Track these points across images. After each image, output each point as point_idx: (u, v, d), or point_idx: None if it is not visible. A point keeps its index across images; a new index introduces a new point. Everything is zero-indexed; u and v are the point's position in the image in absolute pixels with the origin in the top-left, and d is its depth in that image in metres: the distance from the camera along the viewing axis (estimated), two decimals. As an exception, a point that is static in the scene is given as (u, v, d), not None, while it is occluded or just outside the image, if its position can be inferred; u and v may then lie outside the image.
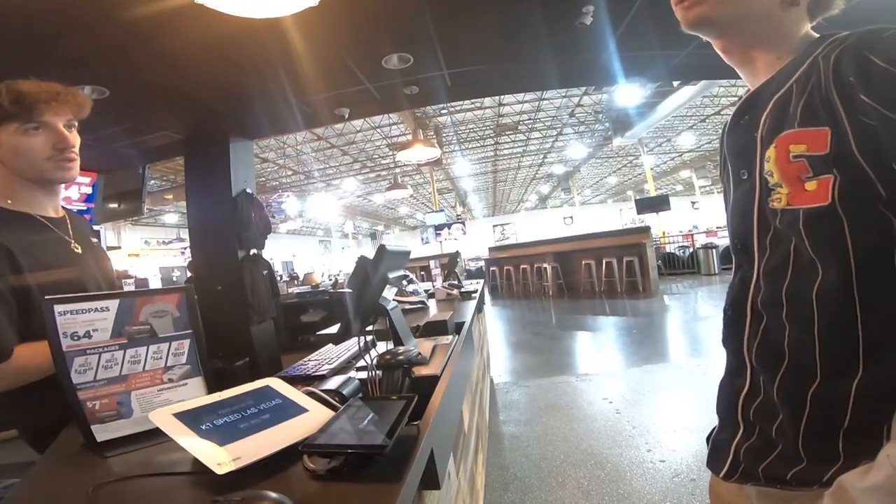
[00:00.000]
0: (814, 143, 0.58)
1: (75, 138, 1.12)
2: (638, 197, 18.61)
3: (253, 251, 4.32)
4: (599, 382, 3.95)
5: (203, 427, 0.68)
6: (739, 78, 0.77)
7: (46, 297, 0.79)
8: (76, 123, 1.13)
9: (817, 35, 0.69)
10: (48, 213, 1.13)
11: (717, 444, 0.77)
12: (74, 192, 4.92)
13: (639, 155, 16.68)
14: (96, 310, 0.82)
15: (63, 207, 1.21)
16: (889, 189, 0.54)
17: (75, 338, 0.79)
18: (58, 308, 0.78)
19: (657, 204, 15.05)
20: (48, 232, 1.10)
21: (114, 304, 0.84)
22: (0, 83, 1.03)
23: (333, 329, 2.04)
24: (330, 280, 9.83)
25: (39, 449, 0.89)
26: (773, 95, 0.66)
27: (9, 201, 1.06)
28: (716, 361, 4.29)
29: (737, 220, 0.72)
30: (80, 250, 1.15)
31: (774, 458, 0.65)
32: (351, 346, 1.43)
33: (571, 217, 25.94)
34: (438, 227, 15.59)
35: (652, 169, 18.56)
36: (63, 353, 0.78)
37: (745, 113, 0.71)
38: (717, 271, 10.75)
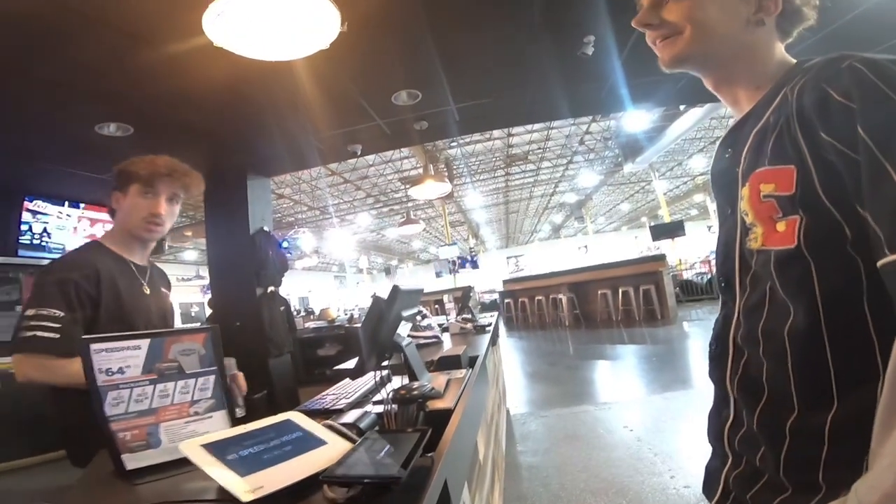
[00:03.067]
0: (781, 182, 0.58)
1: (173, 210, 1.45)
2: (652, 223, 18.54)
3: (271, 288, 4.41)
4: (619, 411, 3.88)
5: (229, 457, 0.72)
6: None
7: (84, 336, 0.85)
8: (181, 196, 1.47)
9: (794, 61, 0.69)
10: (135, 259, 1.45)
11: (710, 472, 0.78)
12: (99, 229, 5.09)
13: (651, 180, 16.71)
14: (129, 348, 0.87)
15: (149, 260, 1.54)
16: (855, 231, 0.52)
17: (109, 373, 0.85)
18: (93, 346, 0.84)
19: (672, 230, 14.97)
20: (129, 273, 1.41)
21: (145, 343, 0.89)
22: (146, 158, 1.43)
23: (350, 364, 2.07)
24: (345, 315, 9.88)
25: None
26: (752, 129, 0.66)
27: (112, 244, 1.42)
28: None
29: (721, 257, 0.74)
30: (147, 291, 1.45)
31: (762, 486, 0.66)
32: (367, 380, 1.46)
33: (586, 246, 25.83)
34: (453, 264, 15.69)
35: (665, 194, 18.53)
36: (98, 388, 0.83)
37: (728, 146, 0.72)
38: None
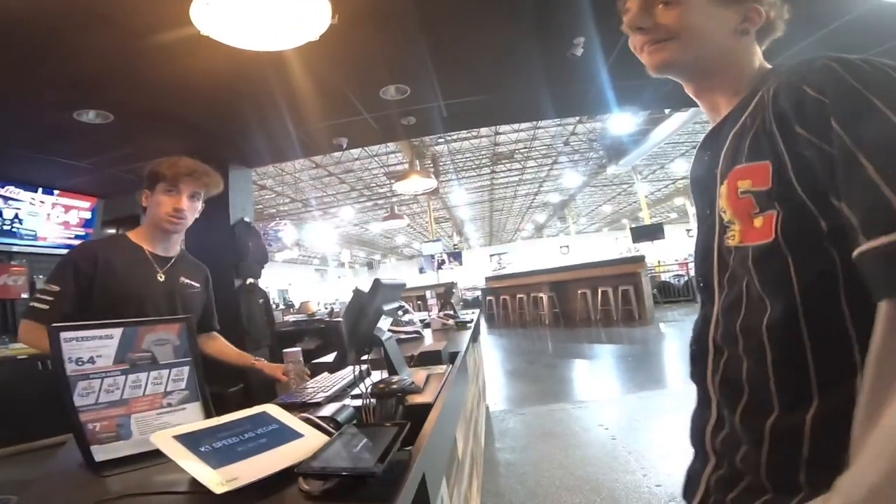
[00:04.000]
0: (757, 177, 0.59)
1: (195, 206, 1.59)
2: (633, 225, 18.80)
3: (250, 280, 4.35)
4: (595, 409, 3.94)
5: (202, 449, 0.70)
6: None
7: (52, 324, 0.83)
8: (202, 195, 1.61)
9: (770, 66, 0.72)
10: (156, 250, 1.59)
11: (690, 475, 0.77)
12: (74, 216, 4.96)
13: (633, 182, 16.93)
14: (100, 337, 0.85)
15: (181, 253, 1.69)
16: (831, 224, 0.53)
17: (80, 363, 0.82)
18: (63, 335, 0.81)
19: (652, 233, 15.19)
20: (141, 259, 1.54)
21: (117, 333, 0.87)
22: (171, 158, 1.56)
23: (329, 358, 2.05)
24: (326, 309, 9.81)
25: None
26: (730, 131, 0.67)
27: (134, 236, 1.57)
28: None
29: (699, 258, 0.74)
30: (162, 279, 1.57)
31: (743, 488, 0.65)
32: (346, 374, 1.45)
33: (567, 246, 26.07)
34: (437, 263, 15.71)
35: (646, 196, 18.78)
36: (67, 377, 0.81)
37: (707, 150, 0.73)
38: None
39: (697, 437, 0.75)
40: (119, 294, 1.45)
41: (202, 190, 1.60)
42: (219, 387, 1.33)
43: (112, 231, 5.62)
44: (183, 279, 1.64)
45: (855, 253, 0.47)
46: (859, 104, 0.49)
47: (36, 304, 1.38)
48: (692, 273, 12.42)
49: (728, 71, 0.73)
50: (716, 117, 0.75)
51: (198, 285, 1.70)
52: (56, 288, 1.39)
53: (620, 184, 18.76)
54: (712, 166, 0.69)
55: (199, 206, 1.63)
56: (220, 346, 1.82)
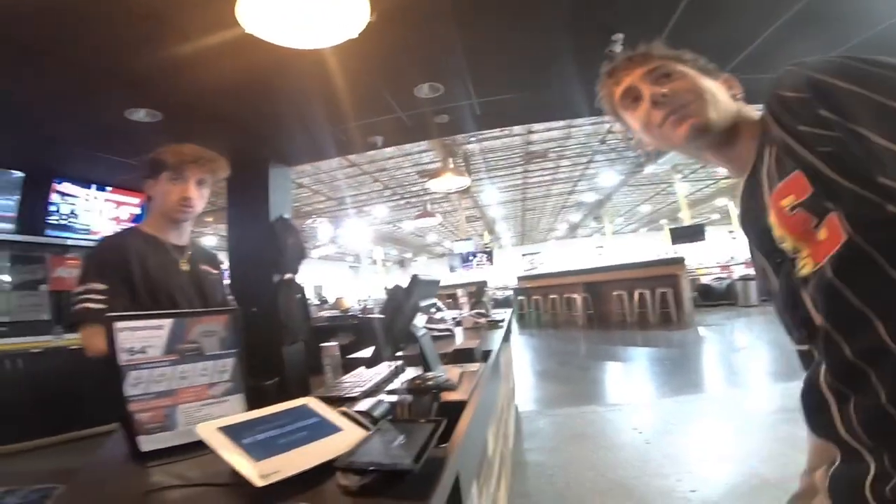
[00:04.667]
0: (797, 190, 0.58)
1: (202, 193, 1.54)
2: (672, 226, 18.27)
3: (288, 275, 4.45)
4: (629, 412, 3.85)
5: (244, 441, 0.72)
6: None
7: (109, 314, 0.87)
8: (209, 181, 1.56)
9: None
10: (171, 239, 1.55)
11: None
12: (124, 212, 5.20)
13: (672, 182, 16.44)
14: (152, 327, 0.89)
15: (192, 240, 1.65)
16: (893, 202, 0.50)
17: (132, 352, 0.86)
18: (117, 325, 0.85)
19: (692, 234, 14.73)
20: (163, 251, 1.51)
21: (168, 323, 0.91)
22: (175, 146, 1.51)
23: (365, 353, 2.08)
24: (359, 305, 9.95)
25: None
26: (761, 172, 0.66)
27: (147, 228, 1.54)
28: (753, 391, 4.14)
29: (789, 310, 0.68)
30: (186, 268, 1.55)
31: None
32: (381, 370, 1.47)
33: (602, 246, 25.58)
34: (466, 259, 15.68)
35: (686, 197, 18.20)
36: (121, 367, 0.85)
37: (750, 197, 0.70)
38: (756, 303, 10.39)
39: (853, 494, 0.61)
40: (153, 285, 1.44)
41: (209, 176, 1.55)
42: (255, 380, 1.36)
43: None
44: (203, 266, 1.63)
45: None
46: (831, 90, 0.54)
47: (90, 305, 1.29)
48: (734, 276, 12.00)
49: (741, 124, 0.75)
50: (744, 168, 0.73)
51: (216, 272, 1.69)
52: (102, 286, 1.33)
53: (659, 183, 18.23)
54: (760, 209, 0.66)
55: (207, 192, 1.58)
56: None
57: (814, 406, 0.65)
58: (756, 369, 5.08)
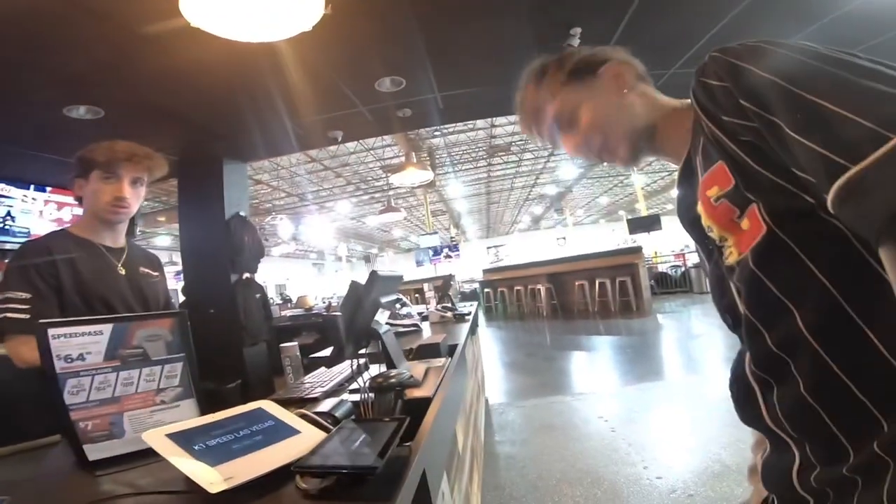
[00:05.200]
0: (720, 180, 0.58)
1: (137, 192, 1.46)
2: (629, 217, 18.81)
3: (246, 275, 4.31)
4: (595, 401, 3.94)
5: (196, 447, 0.69)
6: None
7: (40, 321, 0.80)
8: (144, 179, 1.47)
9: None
10: (106, 242, 1.46)
11: None
12: (67, 213, 4.92)
13: (629, 174, 16.90)
14: (90, 333, 0.83)
15: (128, 242, 1.55)
16: (815, 194, 0.49)
17: (69, 360, 0.80)
18: (51, 331, 0.79)
19: (648, 224, 15.22)
20: (97, 254, 1.42)
21: (107, 328, 0.85)
22: (105, 142, 1.41)
23: (326, 352, 2.03)
24: (323, 303, 9.79)
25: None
26: (695, 158, 0.66)
27: (78, 230, 1.44)
28: (710, 378, 4.30)
29: (717, 295, 0.68)
30: (123, 272, 1.46)
31: None
32: (344, 369, 1.44)
33: (564, 238, 26.08)
34: (436, 252, 15.70)
35: (643, 188, 18.78)
36: (56, 375, 0.79)
37: (685, 186, 0.69)
38: (708, 290, 10.80)
39: (781, 482, 0.62)
40: (86, 291, 1.35)
41: (145, 174, 1.46)
42: (216, 383, 1.30)
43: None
44: (142, 269, 1.55)
45: (829, 199, 0.44)
46: (750, 78, 0.52)
47: (10, 315, 1.21)
48: (689, 264, 12.45)
49: (659, 125, 0.75)
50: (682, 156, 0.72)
51: (156, 274, 1.61)
52: (25, 294, 1.24)
53: (617, 175, 18.73)
54: (692, 197, 0.66)
55: (143, 191, 1.49)
56: None
57: (741, 395, 0.65)
58: (713, 356, 5.28)
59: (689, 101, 0.65)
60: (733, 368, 0.67)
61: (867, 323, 0.48)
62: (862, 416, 0.50)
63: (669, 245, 17.44)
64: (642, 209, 17.26)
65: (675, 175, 0.74)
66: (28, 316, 1.21)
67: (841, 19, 3.15)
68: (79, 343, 0.81)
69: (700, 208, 0.62)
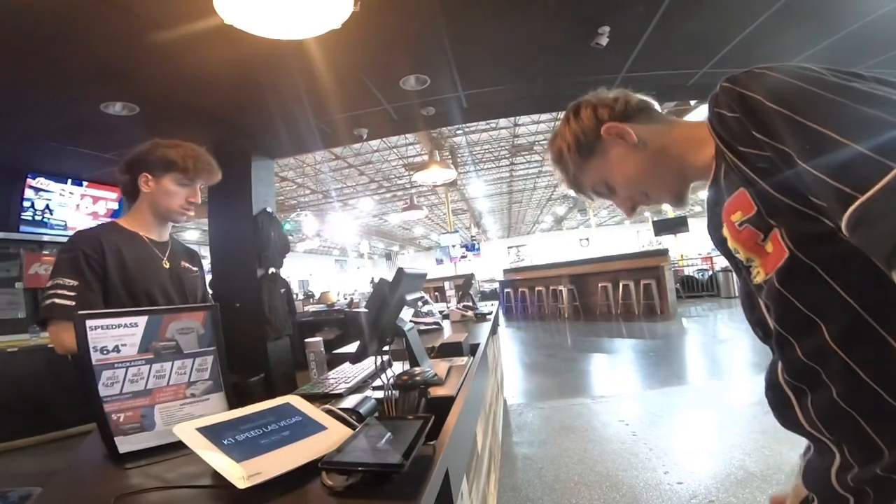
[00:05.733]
0: (743, 206, 0.61)
1: (200, 195, 1.55)
2: (655, 218, 18.46)
3: (272, 270, 4.39)
4: (615, 404, 3.88)
5: (225, 442, 0.70)
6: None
7: (80, 311, 0.83)
8: (206, 188, 1.57)
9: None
10: (152, 236, 1.53)
11: None
12: (102, 206, 5.08)
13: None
14: (126, 325, 0.85)
15: (171, 237, 1.62)
16: (832, 219, 0.51)
17: (104, 352, 0.82)
18: (89, 323, 0.81)
19: (675, 225, 14.89)
20: (143, 246, 1.48)
21: (142, 321, 0.87)
22: (182, 145, 1.49)
23: (350, 348, 2.05)
24: (345, 299, 9.87)
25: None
26: (721, 183, 0.67)
27: (128, 224, 1.50)
28: (735, 383, 4.20)
29: (748, 310, 0.72)
30: (167, 265, 1.53)
31: None
32: (367, 365, 1.45)
33: (587, 239, 25.76)
34: (467, 249, 15.75)
35: (669, 190, 18.39)
36: (92, 367, 0.81)
37: (713, 206, 0.71)
38: (737, 294, 10.54)
39: (821, 482, 0.65)
40: (131, 282, 1.40)
41: (207, 182, 1.56)
42: (240, 376, 1.33)
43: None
44: (184, 263, 1.61)
45: (843, 220, 0.46)
46: (760, 110, 0.54)
47: (57, 301, 1.26)
48: (717, 267, 12.18)
49: (687, 157, 0.74)
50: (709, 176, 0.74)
51: (196, 269, 1.67)
52: (73, 282, 1.30)
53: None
54: (718, 219, 0.68)
55: None
56: None
57: (778, 402, 0.67)
58: (738, 361, 5.15)
59: (703, 120, 0.68)
60: (767, 377, 0.69)
61: (890, 333, 0.51)
62: (893, 417, 0.53)
63: (696, 248, 17.07)
64: (668, 210, 16.92)
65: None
66: (74, 303, 1.26)
67: (854, 34, 3.09)
68: (115, 335, 0.84)
69: (725, 231, 0.65)
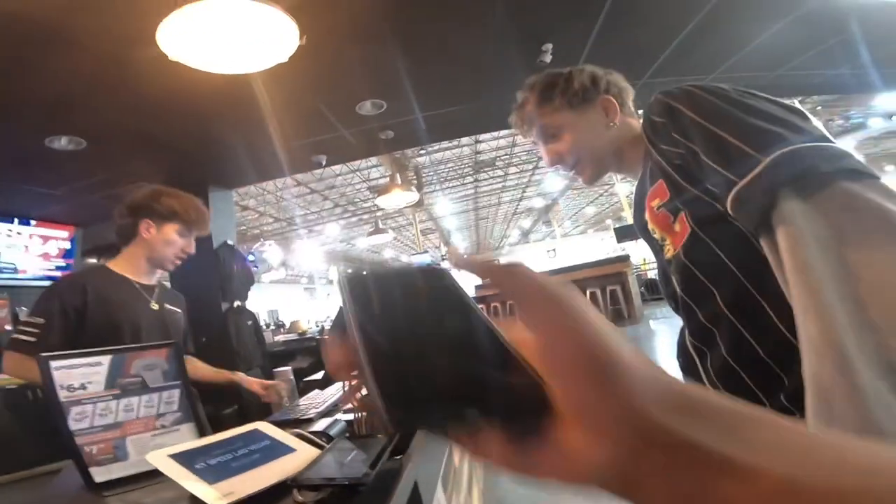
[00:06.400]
0: (660, 194, 0.75)
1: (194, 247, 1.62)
2: (616, 225, 19.00)
3: (237, 303, 4.32)
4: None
5: (197, 466, 0.72)
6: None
7: (42, 353, 0.84)
8: None
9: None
10: (142, 280, 1.58)
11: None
12: (53, 247, 4.89)
13: (613, 183, 17.13)
14: (90, 364, 0.86)
15: (158, 280, 1.68)
16: (722, 204, 0.62)
17: (71, 389, 0.84)
18: (53, 363, 0.83)
19: (635, 232, 15.35)
20: (132, 291, 1.53)
21: (106, 359, 0.89)
22: (183, 196, 1.58)
23: (319, 375, 2.06)
24: (317, 326, 9.72)
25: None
26: (646, 179, 0.82)
27: (117, 267, 1.55)
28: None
29: (662, 284, 0.84)
30: (156, 307, 1.58)
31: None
32: (337, 390, 1.47)
33: (554, 249, 26.20)
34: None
35: (627, 196, 18.97)
36: (59, 403, 0.82)
37: (640, 199, 0.87)
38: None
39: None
40: (113, 324, 1.44)
41: (200, 235, 1.65)
42: (213, 408, 1.34)
43: (93, 261, 5.54)
44: (167, 306, 1.66)
45: (728, 203, 0.58)
46: (679, 116, 0.67)
47: (21, 336, 1.36)
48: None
49: (626, 142, 0.90)
50: (638, 173, 0.90)
51: (180, 311, 1.73)
52: (41, 321, 1.38)
53: (601, 185, 18.96)
54: (643, 207, 0.83)
55: None
56: (194, 366, 1.81)
57: (685, 365, 0.80)
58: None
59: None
60: (678, 343, 0.82)
61: (763, 297, 0.63)
62: (769, 373, 0.64)
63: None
64: (629, 217, 17.45)
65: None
66: (34, 339, 1.35)
67: (766, 41, 3.33)
68: (80, 373, 0.85)
69: (647, 215, 0.79)
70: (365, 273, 0.26)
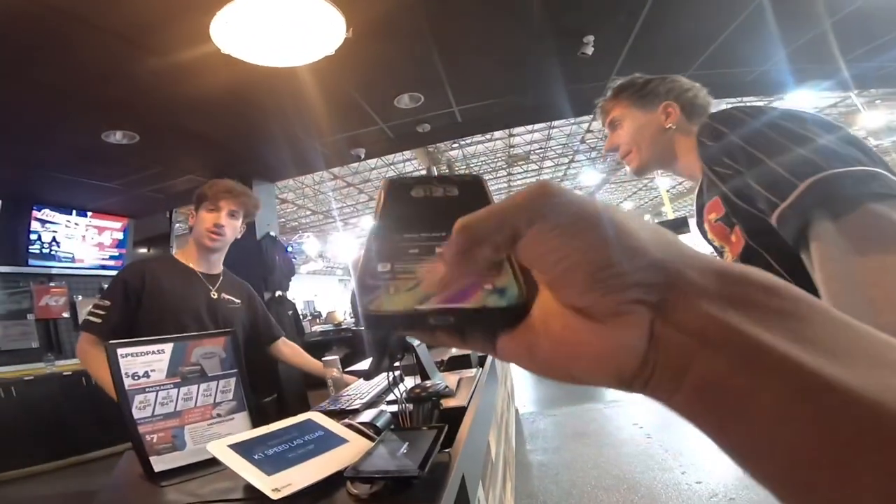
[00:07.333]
0: (716, 209, 0.84)
1: (233, 224, 1.67)
2: (657, 220, 18.49)
3: (278, 293, 4.43)
4: (628, 409, 3.89)
5: (255, 457, 0.74)
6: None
7: (110, 341, 0.88)
8: (240, 214, 1.69)
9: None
10: (202, 269, 1.67)
11: None
12: (107, 237, 5.13)
13: (653, 177, 16.66)
14: (153, 352, 0.90)
15: (225, 271, 1.76)
16: (769, 219, 0.71)
17: (136, 377, 0.87)
18: (120, 351, 0.86)
19: (676, 226, 14.86)
20: (192, 278, 1.63)
21: (168, 347, 0.92)
22: (214, 179, 1.68)
23: (362, 365, 2.09)
24: (352, 318, 9.87)
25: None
26: (704, 187, 0.91)
27: (181, 256, 1.67)
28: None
29: None
30: (216, 297, 1.66)
31: None
32: (380, 381, 1.48)
33: (589, 243, 25.71)
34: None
35: (668, 191, 18.46)
36: (125, 392, 0.86)
37: (699, 210, 0.94)
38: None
39: None
40: (166, 310, 1.54)
41: (241, 209, 1.68)
42: (254, 397, 1.37)
43: (143, 250, 5.79)
44: (225, 295, 1.72)
45: (773, 218, 0.68)
46: (728, 142, 0.76)
47: (90, 318, 1.49)
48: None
49: (681, 144, 0.97)
50: (695, 177, 0.98)
51: (238, 301, 1.77)
52: (107, 303, 1.51)
53: (640, 179, 18.47)
54: (702, 216, 0.92)
55: (239, 225, 1.71)
56: (296, 351, 1.90)
57: None
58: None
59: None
60: None
61: None
62: None
63: (698, 247, 17.05)
64: (668, 212, 16.96)
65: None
66: (101, 321, 1.48)
67: (823, 35, 3.16)
68: (144, 361, 0.89)
69: (706, 227, 0.89)
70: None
